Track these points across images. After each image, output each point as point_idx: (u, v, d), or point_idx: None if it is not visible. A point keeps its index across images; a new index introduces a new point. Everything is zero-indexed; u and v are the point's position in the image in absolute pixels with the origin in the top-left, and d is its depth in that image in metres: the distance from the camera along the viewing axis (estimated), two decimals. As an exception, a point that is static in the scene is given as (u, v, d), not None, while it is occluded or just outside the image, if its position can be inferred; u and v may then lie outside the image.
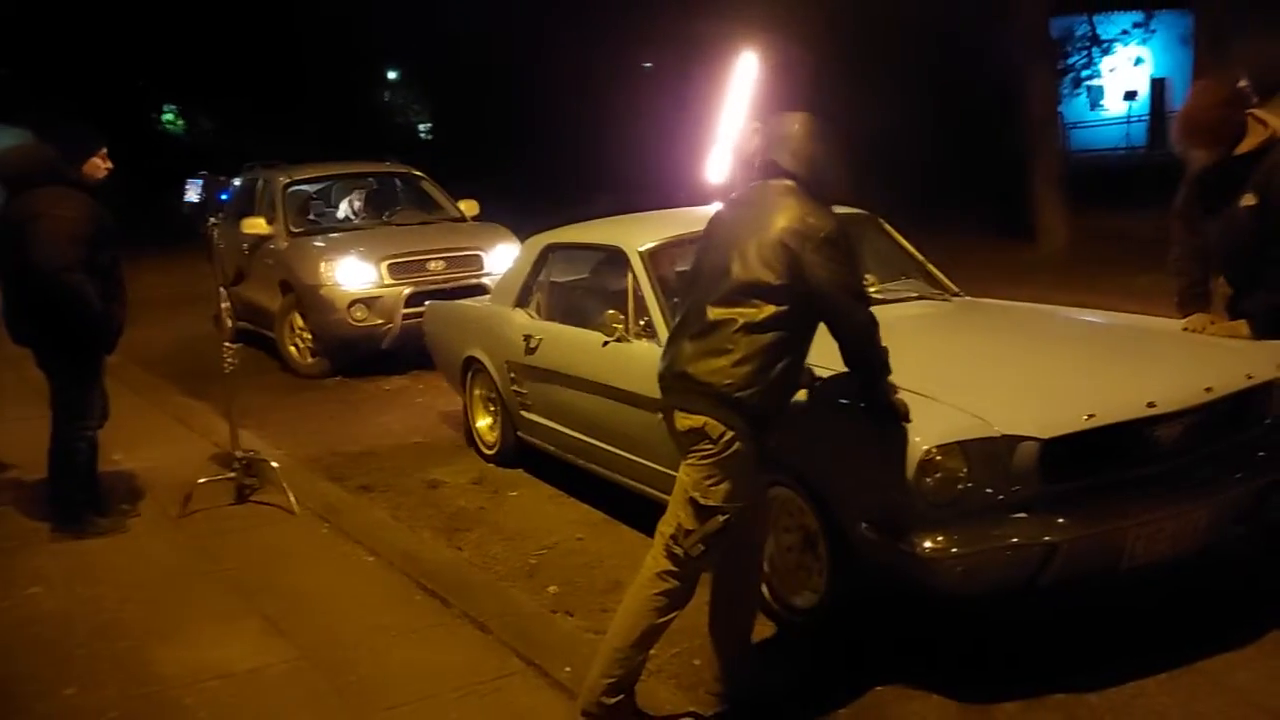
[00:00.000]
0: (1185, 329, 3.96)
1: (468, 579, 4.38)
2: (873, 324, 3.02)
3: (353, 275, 8.22)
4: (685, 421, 3.00)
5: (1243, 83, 3.93)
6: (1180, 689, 3.22)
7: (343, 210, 9.70)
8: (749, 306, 2.94)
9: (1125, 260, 9.09)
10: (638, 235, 4.76)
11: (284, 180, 9.39)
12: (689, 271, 3.28)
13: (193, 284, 10.85)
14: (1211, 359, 3.67)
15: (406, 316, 8.05)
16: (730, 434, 2.94)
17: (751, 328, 2.93)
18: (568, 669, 3.47)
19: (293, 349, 8.63)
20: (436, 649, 3.77)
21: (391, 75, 34.46)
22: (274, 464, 5.32)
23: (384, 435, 6.70)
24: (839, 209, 3.15)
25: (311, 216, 9.50)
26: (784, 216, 2.96)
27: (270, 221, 9.02)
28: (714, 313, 2.98)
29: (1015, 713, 3.17)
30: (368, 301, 8.16)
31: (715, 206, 3.52)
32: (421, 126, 34.60)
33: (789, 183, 3.06)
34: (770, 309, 2.93)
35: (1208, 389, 3.40)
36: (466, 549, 4.79)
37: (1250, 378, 3.53)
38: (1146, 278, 7.87)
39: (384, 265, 8.25)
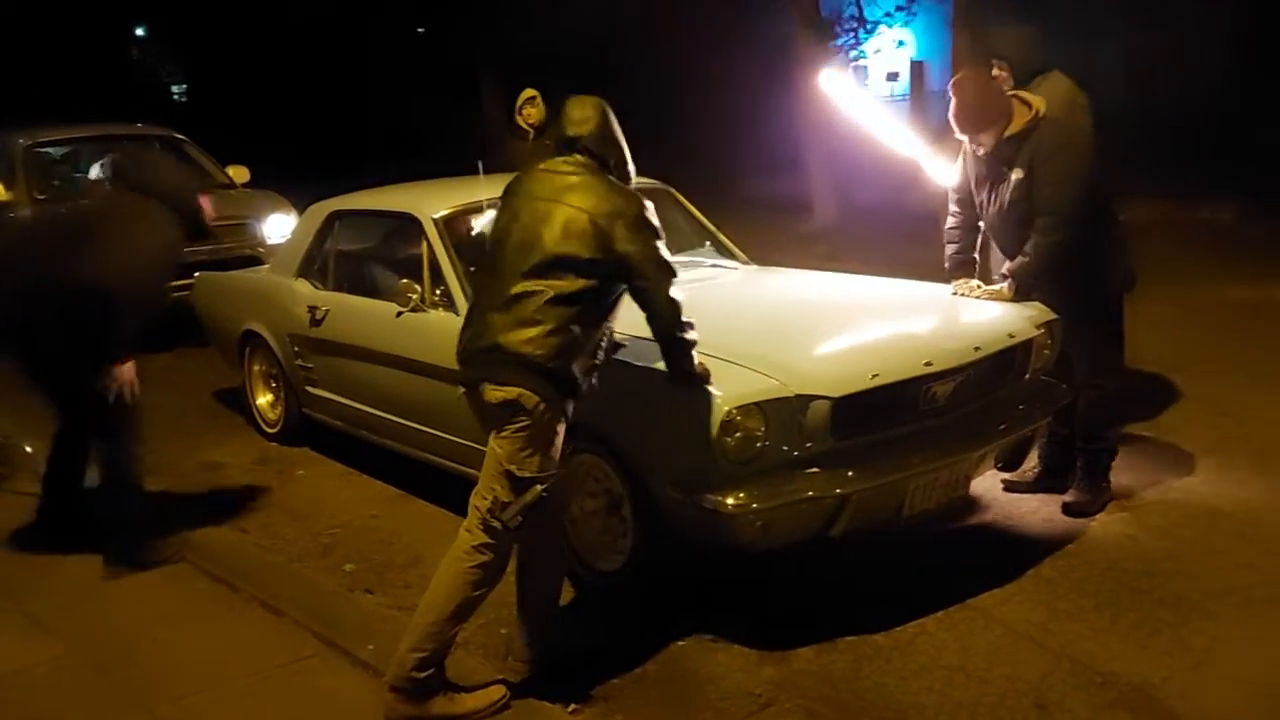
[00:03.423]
0: (954, 293, 4.25)
1: (256, 561, 4.19)
2: (677, 296, 3.09)
3: (109, 245, 7.60)
4: (496, 394, 2.97)
5: (997, 71, 4.25)
6: (956, 625, 3.48)
7: (94, 175, 8.92)
8: (559, 279, 2.95)
9: (891, 231, 9.66)
10: (431, 202, 4.64)
11: (24, 142, 8.53)
12: (486, 244, 3.23)
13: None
14: (978, 320, 3.96)
15: (172, 289, 7.53)
16: (544, 404, 2.94)
17: (561, 299, 2.94)
18: (371, 647, 3.38)
19: (40, 326, 7.91)
20: (226, 635, 3.59)
21: (139, 32, 31.96)
22: (28, 449, 4.87)
23: (153, 416, 6.13)
24: (635, 180, 3.21)
25: (57, 182, 8.70)
26: (591, 197, 2.99)
27: (9, 187, 8.18)
28: (522, 284, 2.96)
29: (810, 657, 3.34)
30: (126, 274, 7.57)
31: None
32: (175, 88, 32.31)
33: (587, 159, 3.10)
34: (580, 282, 2.96)
35: (976, 348, 3.68)
36: (252, 531, 4.56)
37: (1012, 336, 3.83)
38: (911, 247, 8.40)
39: (144, 234, 7.67)
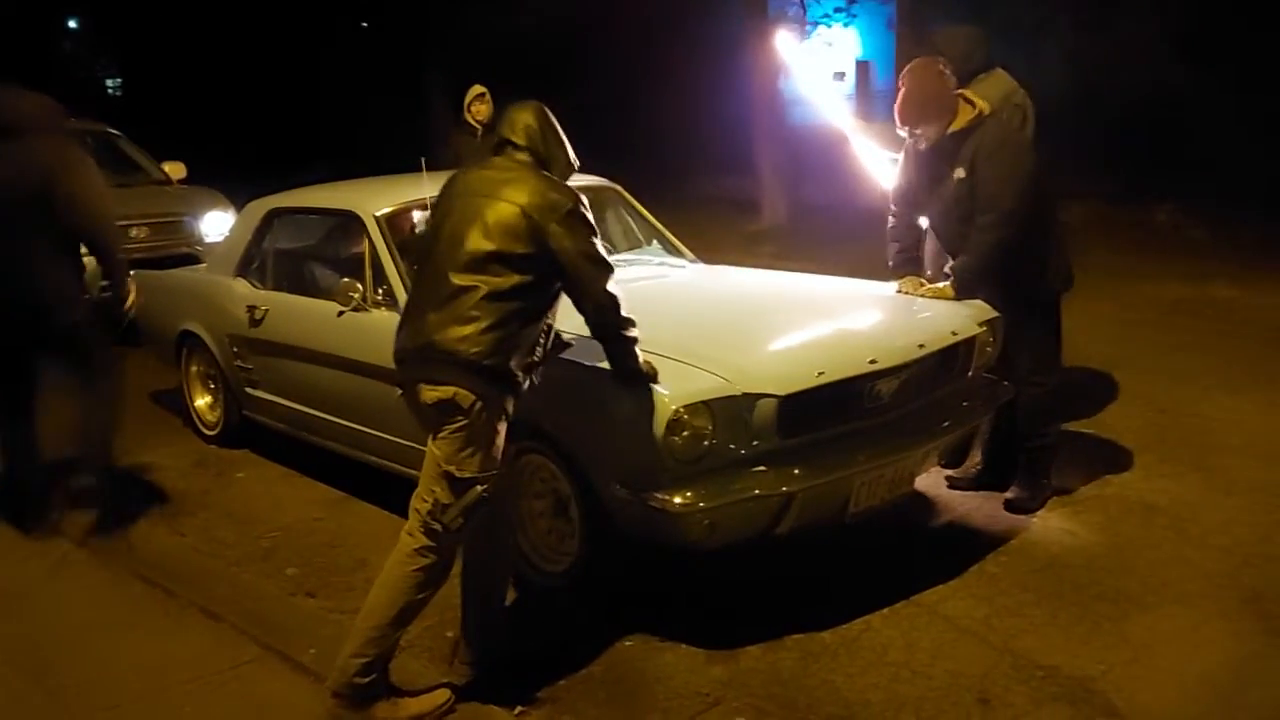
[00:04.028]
0: (899, 291, 4.29)
1: (194, 566, 4.10)
2: (615, 292, 3.07)
3: (40, 242, 7.40)
4: (433, 394, 2.93)
5: (942, 66, 4.29)
6: (901, 621, 3.50)
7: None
8: (493, 275, 2.91)
9: (839, 230, 9.73)
10: (373, 199, 4.57)
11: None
12: (423, 242, 3.20)
13: None
14: (922, 318, 4.00)
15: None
16: (480, 403, 2.90)
17: (495, 295, 2.91)
18: (312, 651, 3.32)
19: (-32, 326, 7.69)
20: (162, 642, 3.50)
21: (72, 24, 31.21)
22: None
23: (86, 418, 6.08)
24: (583, 179, 3.19)
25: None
26: (525, 192, 2.97)
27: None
28: (457, 279, 2.92)
29: (758, 655, 3.34)
30: (59, 272, 7.38)
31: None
32: (109, 82, 31.60)
33: (525, 157, 3.08)
34: (515, 277, 2.92)
35: (920, 345, 3.71)
36: (190, 535, 4.46)
37: (955, 334, 3.87)
38: (858, 246, 8.47)
39: (77, 232, 7.49)
